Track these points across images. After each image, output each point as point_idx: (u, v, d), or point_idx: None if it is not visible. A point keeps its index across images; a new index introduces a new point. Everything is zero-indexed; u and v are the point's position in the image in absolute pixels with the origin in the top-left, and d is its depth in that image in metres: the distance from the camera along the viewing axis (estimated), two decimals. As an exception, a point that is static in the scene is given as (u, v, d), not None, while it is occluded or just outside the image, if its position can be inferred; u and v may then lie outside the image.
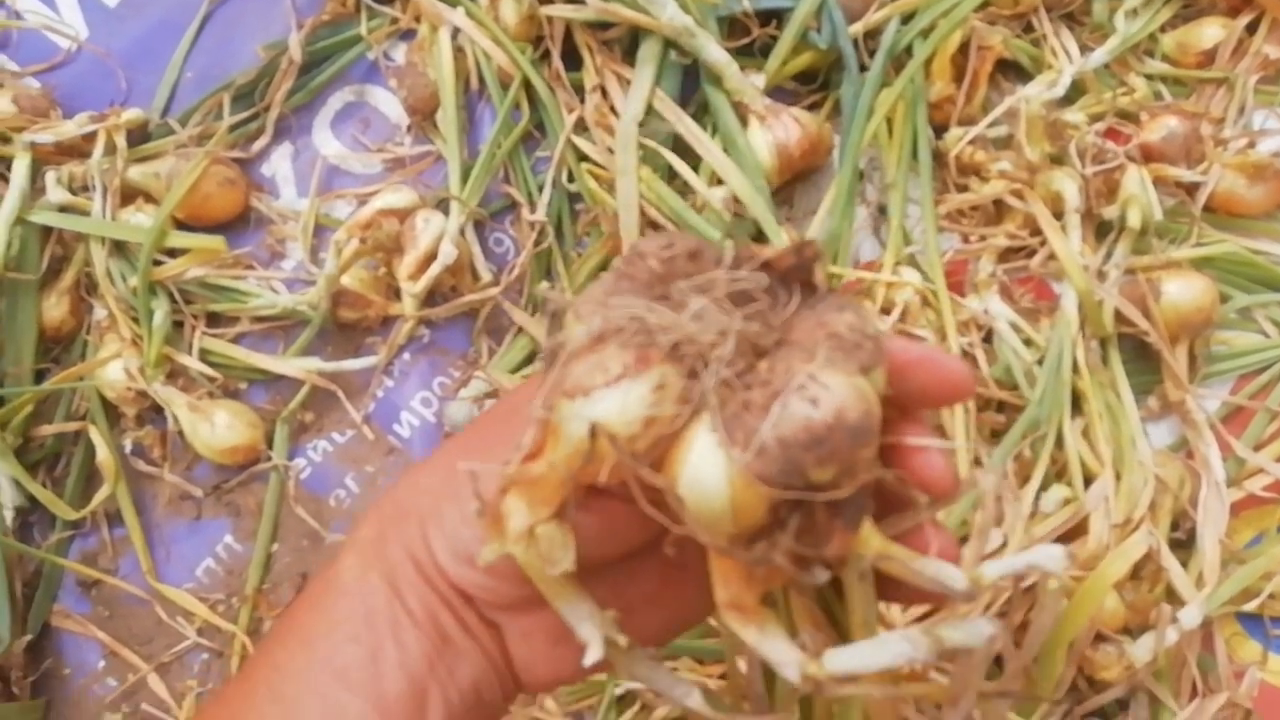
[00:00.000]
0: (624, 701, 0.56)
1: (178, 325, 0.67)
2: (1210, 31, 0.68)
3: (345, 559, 0.31)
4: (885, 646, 0.25)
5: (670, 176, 0.65)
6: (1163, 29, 0.69)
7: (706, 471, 0.23)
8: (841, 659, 0.25)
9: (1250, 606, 0.55)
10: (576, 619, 0.26)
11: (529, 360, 0.66)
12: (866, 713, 0.30)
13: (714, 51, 0.64)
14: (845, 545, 0.25)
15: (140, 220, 0.67)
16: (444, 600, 0.30)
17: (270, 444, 0.66)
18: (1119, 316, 0.61)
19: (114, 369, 0.65)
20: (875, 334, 0.25)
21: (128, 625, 0.65)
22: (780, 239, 0.25)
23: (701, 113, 0.66)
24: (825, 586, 0.26)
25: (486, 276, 0.67)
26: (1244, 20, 0.67)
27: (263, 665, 0.31)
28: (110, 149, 0.67)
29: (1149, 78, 0.69)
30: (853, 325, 0.25)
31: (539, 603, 0.27)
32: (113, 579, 0.65)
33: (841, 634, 0.28)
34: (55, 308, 0.67)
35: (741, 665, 0.30)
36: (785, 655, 0.25)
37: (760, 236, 0.60)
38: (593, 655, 0.26)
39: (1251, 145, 0.65)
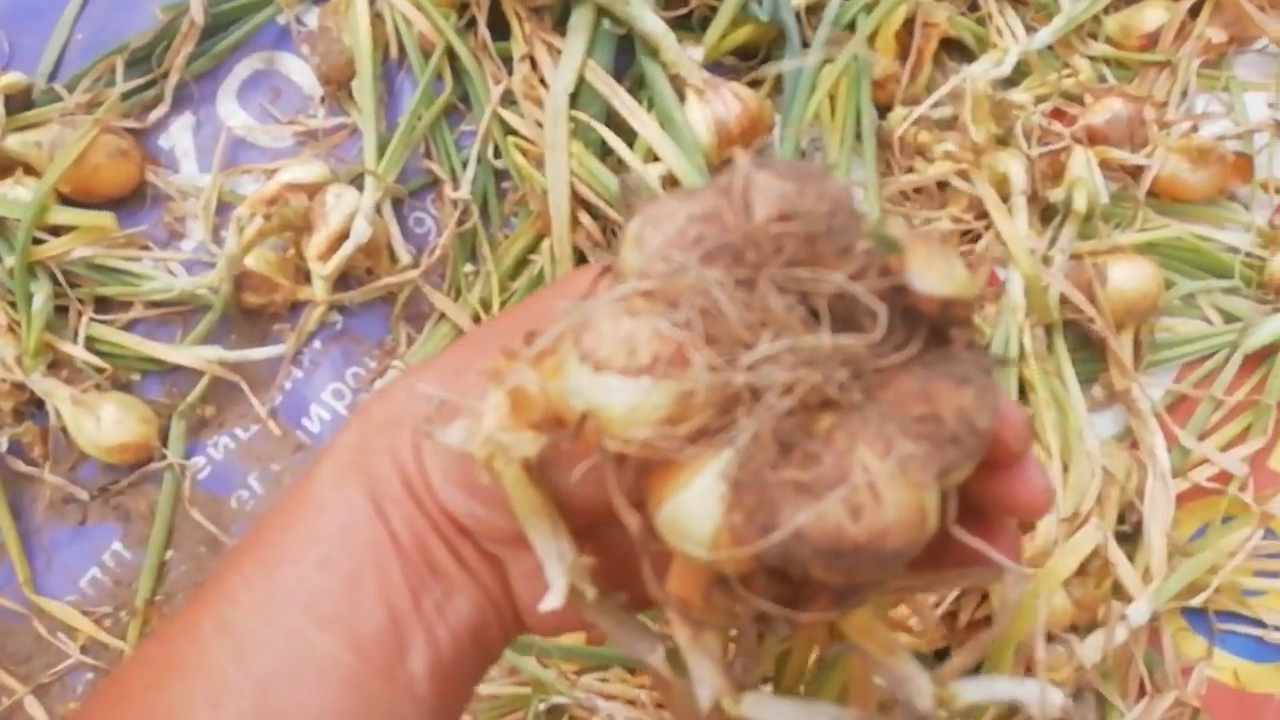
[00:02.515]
0: (552, 714, 0.52)
1: (61, 310, 0.61)
2: (1153, 14, 0.67)
3: (320, 468, 0.26)
4: (809, 718, 0.22)
5: (604, 153, 0.61)
6: (1106, 11, 0.68)
7: (694, 521, 0.20)
8: (760, 709, 0.22)
9: (1196, 601, 0.53)
10: (546, 554, 0.23)
11: (452, 349, 0.62)
12: (844, 685, 0.27)
13: (650, 21, 0.61)
14: (824, 618, 0.21)
15: (19, 194, 0.61)
16: (435, 525, 0.25)
17: (165, 441, 0.60)
18: (1064, 303, 0.59)
19: (-13, 358, 0.59)
20: (985, 429, 0.20)
21: (1, 643, 0.59)
22: (934, 258, 0.21)
23: (637, 87, 0.63)
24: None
25: (405, 258, 0.62)
26: (1186, 3, 0.66)
27: (214, 594, 0.25)
28: (-15, 115, 0.61)
29: (1092, 60, 0.68)
30: (963, 411, 0.20)
31: None
32: (-15, 591, 0.59)
33: (784, 670, 0.25)
34: (-81, 290, 0.60)
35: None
36: (707, 675, 0.22)
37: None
38: (552, 600, 0.22)
39: (1195, 129, 0.64)
